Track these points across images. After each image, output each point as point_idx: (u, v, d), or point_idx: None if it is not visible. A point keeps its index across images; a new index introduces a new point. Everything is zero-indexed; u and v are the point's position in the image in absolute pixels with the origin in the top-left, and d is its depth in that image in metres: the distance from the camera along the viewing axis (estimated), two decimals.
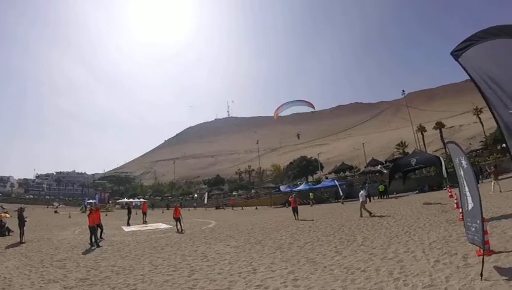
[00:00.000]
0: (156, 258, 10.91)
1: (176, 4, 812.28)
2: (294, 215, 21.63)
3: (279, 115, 43.28)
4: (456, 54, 2.75)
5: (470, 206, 6.65)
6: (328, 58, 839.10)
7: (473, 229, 6.50)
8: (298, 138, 55.26)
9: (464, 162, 6.68)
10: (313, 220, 19.63)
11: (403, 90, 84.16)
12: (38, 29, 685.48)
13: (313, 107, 40.69)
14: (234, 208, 49.13)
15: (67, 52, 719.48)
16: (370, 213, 18.22)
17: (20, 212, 17.09)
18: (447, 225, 11.88)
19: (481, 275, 5.60)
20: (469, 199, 6.62)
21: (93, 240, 14.57)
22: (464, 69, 2.71)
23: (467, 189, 6.72)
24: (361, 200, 19.32)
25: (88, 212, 16.49)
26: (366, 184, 45.39)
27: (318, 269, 7.72)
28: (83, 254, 12.51)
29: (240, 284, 7.11)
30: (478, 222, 6.10)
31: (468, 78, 2.84)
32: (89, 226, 14.95)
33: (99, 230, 16.21)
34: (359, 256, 8.66)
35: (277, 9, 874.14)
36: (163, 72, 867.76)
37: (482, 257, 5.99)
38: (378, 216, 17.51)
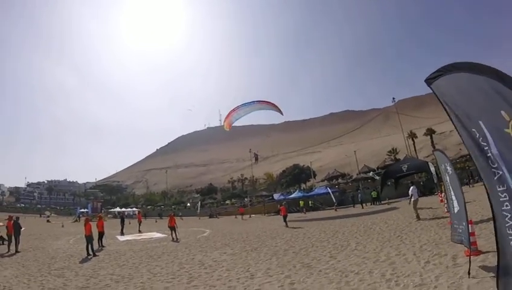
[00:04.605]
0: (154, 266, 10.98)
1: (168, 12, 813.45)
2: (285, 222, 22.17)
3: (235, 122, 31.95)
4: (429, 81, 3.27)
5: (456, 209, 7.04)
6: (320, 66, 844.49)
7: (460, 230, 6.87)
8: (256, 159, 50.61)
9: (449, 168, 7.08)
10: (306, 227, 19.88)
11: (393, 98, 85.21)
12: (31, 37, 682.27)
13: (280, 112, 30.91)
14: (244, 217, 43.36)
15: (60, 60, 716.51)
16: (418, 216, 15.95)
17: (16, 220, 17.04)
18: (437, 228, 12.25)
19: (469, 273, 5.93)
20: (455, 202, 7.02)
21: (89, 249, 14.57)
22: (436, 95, 3.20)
23: (452, 193, 7.13)
24: (413, 199, 16.74)
25: (84, 221, 16.35)
26: (359, 191, 45.87)
27: (313, 273, 7.97)
28: (80, 263, 12.50)
29: (238, 289, 7.33)
30: (464, 223, 6.48)
31: None
32: (85, 236, 14.91)
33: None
34: (353, 260, 8.92)
35: (269, 19, 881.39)
36: (155, 80, 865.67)
37: (469, 257, 6.31)
38: (431, 219, 15.65)
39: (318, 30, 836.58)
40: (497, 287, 3.02)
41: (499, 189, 2.80)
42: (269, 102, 31.01)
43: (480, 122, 2.80)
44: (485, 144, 2.79)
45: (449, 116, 3.21)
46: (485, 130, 2.75)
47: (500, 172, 2.72)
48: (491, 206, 2.97)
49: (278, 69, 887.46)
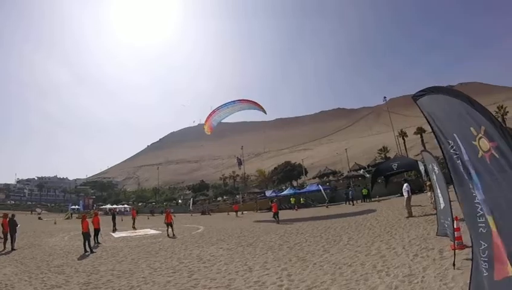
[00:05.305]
0: (153, 261, 11.19)
1: (161, 6, 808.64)
2: (276, 219, 22.73)
3: (220, 121, 30.42)
4: (415, 98, 4.10)
5: (442, 206, 7.55)
6: (312, 63, 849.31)
7: (446, 225, 7.39)
8: (240, 163, 50.87)
9: (435, 168, 7.61)
10: (298, 223, 20.32)
11: (384, 97, 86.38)
12: (22, 30, 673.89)
13: (263, 110, 29.58)
14: (239, 214, 41.56)
15: (51, 54, 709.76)
16: (410, 213, 16.06)
17: (12, 218, 17.00)
18: (426, 224, 12.77)
19: (454, 265, 6.46)
20: (441, 199, 7.55)
21: (87, 246, 14.64)
22: (421, 110, 4.12)
23: (439, 191, 7.66)
24: (405, 196, 16.75)
25: (82, 218, 16.31)
26: (350, 188, 46.53)
27: (309, 266, 8.42)
28: (79, 259, 12.55)
29: (238, 281, 7.69)
30: (449, 219, 6.99)
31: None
32: (82, 233, 14.91)
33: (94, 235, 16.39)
34: (345, 253, 9.40)
35: (262, 16, 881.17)
36: (146, 75, 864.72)
37: (454, 250, 6.83)
38: (420, 216, 16.07)
39: (310, 27, 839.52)
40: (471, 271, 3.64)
41: (471, 187, 3.46)
42: (251, 101, 30.36)
43: (455, 134, 3.57)
44: (458, 152, 3.58)
45: (431, 128, 4.05)
46: (459, 142, 3.51)
47: (471, 173, 3.42)
48: (463, 206, 3.73)
49: (270, 66, 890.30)
